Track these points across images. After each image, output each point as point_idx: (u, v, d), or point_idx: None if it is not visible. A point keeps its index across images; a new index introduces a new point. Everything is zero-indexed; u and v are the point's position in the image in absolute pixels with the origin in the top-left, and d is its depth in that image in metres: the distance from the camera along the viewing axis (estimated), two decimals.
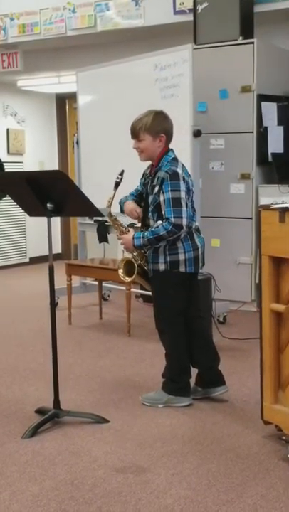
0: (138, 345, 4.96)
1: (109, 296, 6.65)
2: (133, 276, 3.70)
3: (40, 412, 3.55)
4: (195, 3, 5.93)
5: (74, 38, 6.93)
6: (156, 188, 3.54)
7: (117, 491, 2.73)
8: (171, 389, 3.68)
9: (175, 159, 3.58)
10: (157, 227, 3.50)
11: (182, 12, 6.13)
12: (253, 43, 5.64)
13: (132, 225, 4.12)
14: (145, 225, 3.69)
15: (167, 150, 3.62)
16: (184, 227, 3.46)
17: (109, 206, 3.72)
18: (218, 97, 5.83)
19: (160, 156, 3.59)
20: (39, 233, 8.10)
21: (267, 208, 3.07)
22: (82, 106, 6.40)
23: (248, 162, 5.78)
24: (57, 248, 9.39)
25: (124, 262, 3.74)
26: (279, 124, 5.83)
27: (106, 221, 5.64)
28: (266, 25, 5.95)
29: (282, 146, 5.84)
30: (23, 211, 3.68)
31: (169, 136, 3.62)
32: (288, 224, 2.93)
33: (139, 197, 3.81)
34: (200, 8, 5.91)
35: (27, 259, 9.16)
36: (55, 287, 3.51)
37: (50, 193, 3.32)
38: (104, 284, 6.12)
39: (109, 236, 6.07)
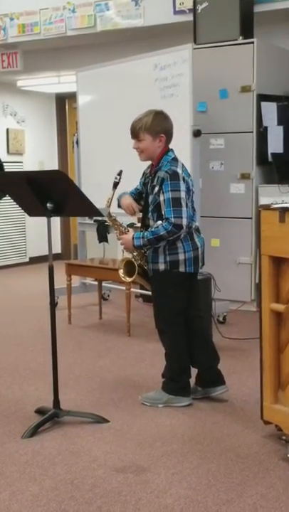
0: (138, 345, 4.96)
1: (109, 295, 6.65)
2: (134, 277, 3.70)
3: (40, 411, 3.55)
4: (195, 3, 5.93)
5: (74, 37, 6.92)
6: (156, 188, 3.54)
7: (117, 490, 2.73)
8: (171, 389, 3.69)
9: (175, 159, 3.58)
10: (157, 227, 3.50)
11: (182, 12, 6.13)
12: (252, 42, 5.64)
13: (131, 225, 4.12)
14: (145, 225, 3.69)
15: (167, 150, 3.62)
16: (184, 227, 3.46)
17: (109, 206, 3.72)
18: (218, 97, 5.83)
19: (160, 156, 3.59)
20: (39, 233, 8.10)
21: (267, 207, 3.07)
22: (82, 106, 6.40)
23: (248, 162, 5.78)
24: (57, 248, 9.39)
25: (124, 262, 3.74)
26: (279, 123, 5.83)
27: (106, 221, 5.63)
28: (266, 25, 5.95)
29: (282, 146, 5.84)
30: (22, 211, 3.68)
31: (169, 136, 3.62)
32: (288, 224, 2.93)
33: (139, 196, 3.81)
34: (200, 8, 5.91)
35: (27, 259, 9.16)
36: (55, 287, 3.51)
37: (50, 192, 3.32)
38: (104, 283, 6.13)
39: (109, 236, 6.07)
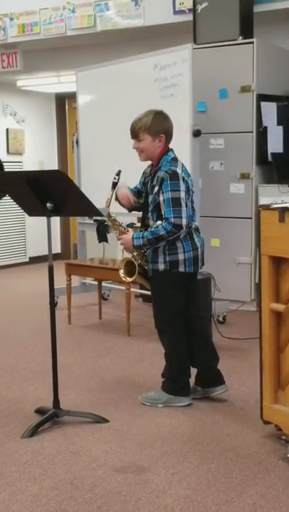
0: (138, 344, 4.96)
1: (108, 295, 6.65)
2: (134, 277, 3.70)
3: (39, 411, 3.55)
4: (195, 3, 5.93)
5: (74, 37, 6.93)
6: (156, 188, 3.54)
7: (117, 490, 2.73)
8: (170, 388, 3.68)
9: (175, 159, 3.58)
10: (157, 227, 3.50)
11: (182, 12, 6.13)
12: (252, 42, 5.64)
13: (131, 225, 4.13)
14: (145, 225, 3.69)
15: (167, 150, 3.62)
16: (184, 227, 3.46)
17: (108, 206, 3.72)
18: (218, 97, 5.83)
19: (160, 156, 3.59)
20: (39, 233, 8.10)
21: (267, 207, 3.07)
22: (81, 106, 6.40)
23: (248, 162, 5.78)
24: (56, 248, 9.39)
25: (124, 262, 3.74)
26: (279, 123, 5.83)
27: (105, 221, 5.64)
28: (266, 25, 5.95)
29: (282, 145, 5.84)
30: (22, 211, 3.68)
31: (168, 136, 3.62)
32: (288, 224, 2.94)
33: (138, 194, 3.81)
34: (200, 8, 5.91)
35: (26, 259, 9.16)
36: (55, 287, 3.51)
37: (49, 192, 3.32)
38: (103, 283, 6.13)
39: (108, 236, 6.07)
